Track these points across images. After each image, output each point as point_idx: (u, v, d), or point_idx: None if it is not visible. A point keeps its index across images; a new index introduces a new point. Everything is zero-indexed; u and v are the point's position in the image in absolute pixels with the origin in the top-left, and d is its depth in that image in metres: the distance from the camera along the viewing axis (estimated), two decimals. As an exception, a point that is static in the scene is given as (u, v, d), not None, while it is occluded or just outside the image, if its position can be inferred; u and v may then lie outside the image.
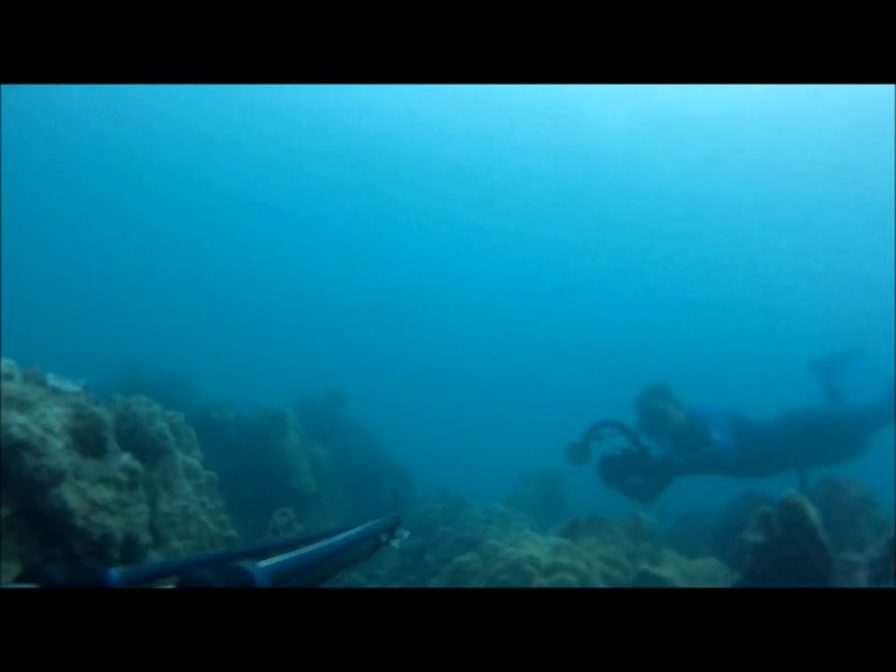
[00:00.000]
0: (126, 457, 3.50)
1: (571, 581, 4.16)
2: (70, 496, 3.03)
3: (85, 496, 3.14)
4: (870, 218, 25.87)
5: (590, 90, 22.10)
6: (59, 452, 3.06)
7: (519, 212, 33.65)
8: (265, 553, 0.95)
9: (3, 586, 0.67)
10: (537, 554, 4.42)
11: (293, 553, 0.93)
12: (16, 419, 2.95)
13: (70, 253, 31.17)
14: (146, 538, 3.50)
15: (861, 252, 28.06)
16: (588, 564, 4.40)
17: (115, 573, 0.76)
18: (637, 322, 34.29)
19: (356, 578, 5.75)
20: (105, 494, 3.26)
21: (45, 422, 3.13)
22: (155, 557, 3.63)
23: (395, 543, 1.58)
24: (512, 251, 36.65)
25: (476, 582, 4.58)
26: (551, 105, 24.97)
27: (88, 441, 3.34)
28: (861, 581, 3.34)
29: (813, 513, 3.50)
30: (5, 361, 3.28)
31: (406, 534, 1.64)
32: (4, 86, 15.36)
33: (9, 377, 3.23)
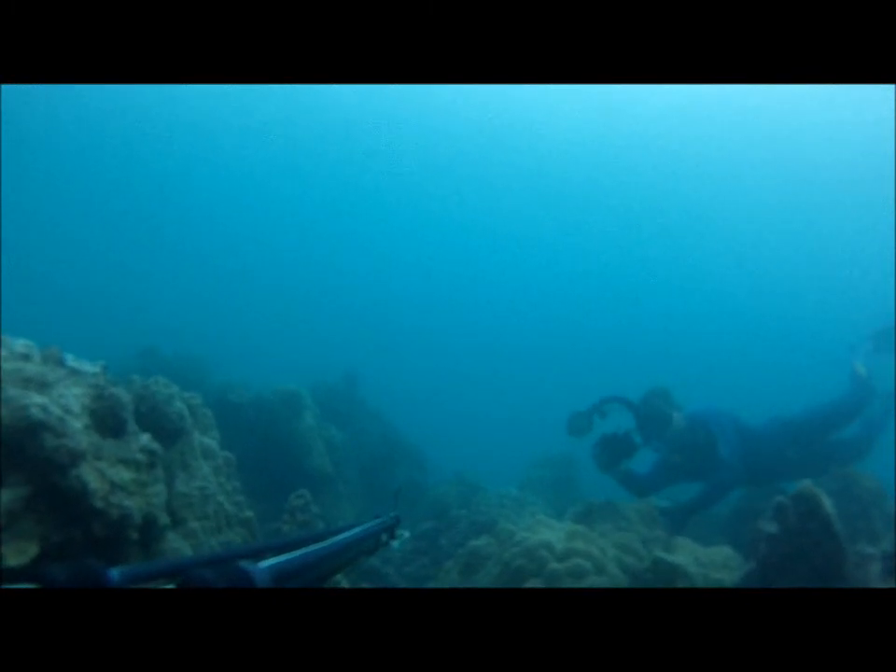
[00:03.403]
0: (145, 438, 3.53)
1: (586, 566, 4.17)
2: (89, 476, 3.06)
3: (104, 476, 3.17)
4: (870, 218, 25.69)
5: (594, 87, 22.00)
6: (78, 432, 3.09)
7: (534, 200, 33.64)
8: (266, 552, 0.96)
9: (3, 586, 0.67)
10: (551, 539, 4.43)
11: (293, 553, 0.94)
12: (35, 400, 2.98)
13: (86, 238, 31.53)
14: (164, 518, 3.54)
15: (861, 252, 27.90)
16: (602, 550, 4.41)
17: (115, 573, 0.77)
18: (648, 312, 34.38)
19: (371, 561, 5.79)
20: (123, 474, 3.29)
21: (64, 402, 3.15)
22: (173, 538, 3.68)
23: (395, 543, 1.58)
24: (527, 237, 36.63)
25: (491, 566, 4.61)
26: (555, 102, 24.92)
27: (107, 421, 3.37)
28: (874, 573, 3.32)
29: (828, 505, 3.48)
30: (23, 342, 3.32)
31: (406, 534, 1.65)
32: (4, 86, 15.44)
33: (28, 358, 3.27)
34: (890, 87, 15.64)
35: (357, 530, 1.32)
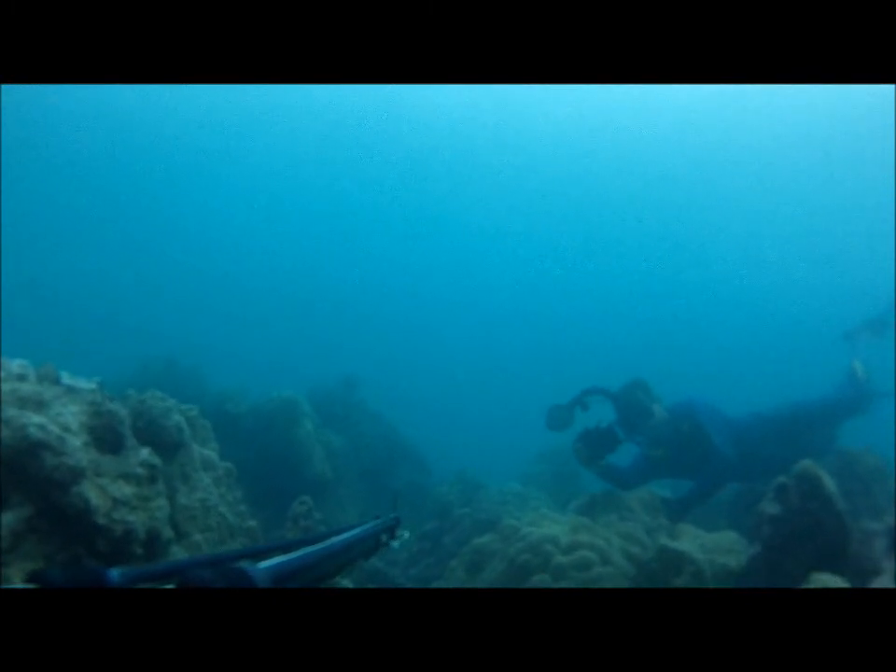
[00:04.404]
0: (145, 452, 3.52)
1: (591, 558, 4.18)
2: (91, 493, 3.06)
3: (106, 492, 3.17)
4: (869, 218, 25.76)
5: (591, 85, 22.02)
6: (77, 450, 3.09)
7: (527, 199, 33.73)
8: (265, 553, 0.96)
9: (3, 586, 0.68)
10: (556, 533, 4.44)
11: (293, 554, 0.94)
12: (33, 419, 2.98)
13: (77, 250, 31.38)
14: (167, 532, 3.53)
15: (860, 252, 27.98)
16: (607, 541, 4.42)
17: (115, 573, 0.77)
18: (645, 304, 34.52)
19: (375, 563, 5.79)
20: (125, 490, 3.29)
21: (62, 421, 3.15)
22: (177, 552, 3.68)
23: (395, 544, 1.58)
24: (521, 235, 36.73)
25: (496, 563, 4.61)
26: (551, 100, 24.97)
27: (106, 437, 3.37)
28: (879, 549, 3.34)
29: (830, 483, 3.50)
30: (19, 361, 3.31)
31: (406, 534, 1.65)
32: (4, 86, 15.40)
33: (24, 377, 3.26)
34: (890, 87, 15.68)
35: (356, 531, 1.32)
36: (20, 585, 0.70)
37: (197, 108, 26.44)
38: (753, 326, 32.23)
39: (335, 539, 1.15)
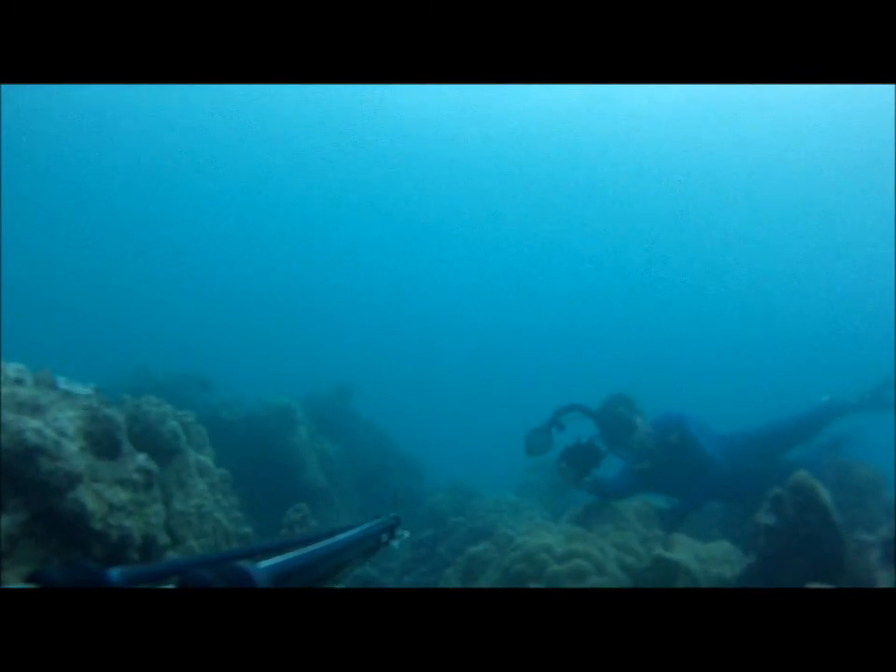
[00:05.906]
0: (141, 458, 3.52)
1: (586, 567, 4.17)
2: (87, 498, 3.05)
3: (102, 498, 3.16)
4: (869, 219, 25.78)
5: (590, 88, 22.01)
6: (74, 455, 3.08)
7: (528, 202, 33.73)
8: (265, 553, 0.96)
9: (3, 586, 0.68)
10: (551, 542, 4.43)
11: (293, 553, 0.94)
12: (30, 424, 2.97)
13: (74, 256, 31.34)
14: (163, 538, 3.53)
15: (860, 254, 28.00)
16: (602, 550, 4.41)
17: (114, 573, 0.77)
18: (637, 316, 34.50)
19: (369, 571, 5.78)
20: (121, 495, 3.28)
21: (58, 425, 3.15)
22: (172, 557, 3.67)
23: (395, 543, 1.58)
24: (517, 243, 36.71)
25: (491, 572, 4.60)
26: (544, 102, 24.96)
27: (102, 443, 3.36)
28: (874, 560, 3.35)
29: (825, 494, 3.50)
30: (15, 366, 3.31)
31: (406, 534, 1.65)
32: (4, 86, 15.39)
33: (21, 382, 3.26)
34: (890, 87, 15.73)
35: (356, 530, 1.32)
36: (19, 585, 0.70)
37: (199, 111, 26.44)
38: (749, 333, 32.25)
39: (335, 539, 1.15)
